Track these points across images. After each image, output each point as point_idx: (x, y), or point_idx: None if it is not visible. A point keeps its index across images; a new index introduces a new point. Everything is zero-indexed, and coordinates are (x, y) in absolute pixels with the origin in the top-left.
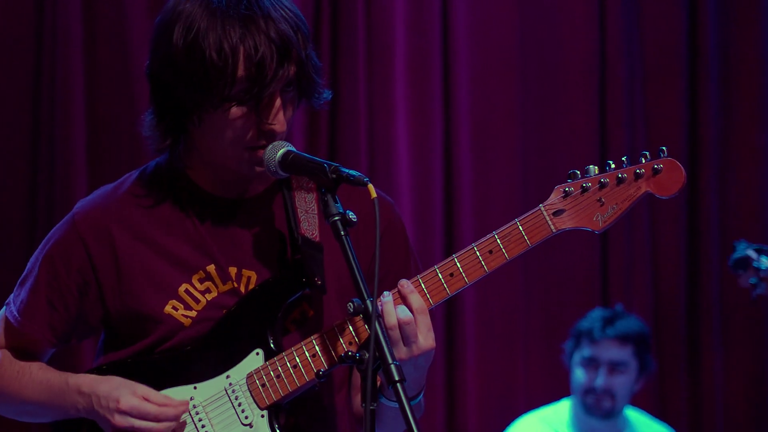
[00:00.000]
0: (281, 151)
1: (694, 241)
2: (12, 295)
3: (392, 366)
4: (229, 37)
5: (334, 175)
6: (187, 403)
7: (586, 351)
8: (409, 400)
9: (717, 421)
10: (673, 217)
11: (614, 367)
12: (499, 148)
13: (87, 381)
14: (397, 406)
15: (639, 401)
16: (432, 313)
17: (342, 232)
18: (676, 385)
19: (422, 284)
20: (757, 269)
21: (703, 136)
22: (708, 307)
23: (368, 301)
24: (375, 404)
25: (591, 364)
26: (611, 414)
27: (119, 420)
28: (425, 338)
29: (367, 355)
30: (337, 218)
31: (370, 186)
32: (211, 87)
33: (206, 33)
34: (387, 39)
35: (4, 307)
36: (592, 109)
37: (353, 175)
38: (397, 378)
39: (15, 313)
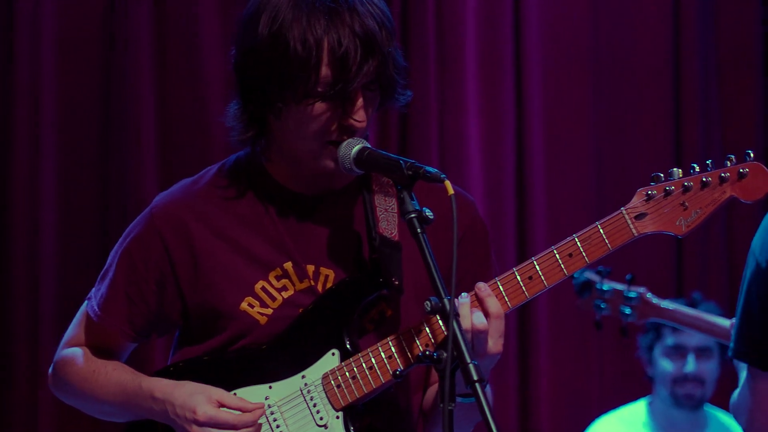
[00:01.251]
0: (356, 148)
1: None
2: (93, 290)
3: (471, 365)
4: (313, 30)
5: (410, 172)
6: (263, 406)
7: (669, 340)
8: (487, 399)
9: None
10: (749, 214)
11: (702, 352)
12: (571, 146)
13: (160, 386)
14: (470, 402)
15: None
16: (505, 315)
17: (418, 230)
18: None
19: (500, 287)
20: (601, 291)
21: None
22: None
23: (445, 300)
24: (453, 404)
25: (677, 351)
26: (701, 403)
27: (197, 431)
28: (495, 343)
29: (444, 354)
30: (413, 215)
31: (447, 182)
32: (295, 79)
33: (291, 24)
34: (458, 37)
35: (85, 302)
36: (666, 108)
37: (430, 172)
38: (476, 378)
39: (95, 307)
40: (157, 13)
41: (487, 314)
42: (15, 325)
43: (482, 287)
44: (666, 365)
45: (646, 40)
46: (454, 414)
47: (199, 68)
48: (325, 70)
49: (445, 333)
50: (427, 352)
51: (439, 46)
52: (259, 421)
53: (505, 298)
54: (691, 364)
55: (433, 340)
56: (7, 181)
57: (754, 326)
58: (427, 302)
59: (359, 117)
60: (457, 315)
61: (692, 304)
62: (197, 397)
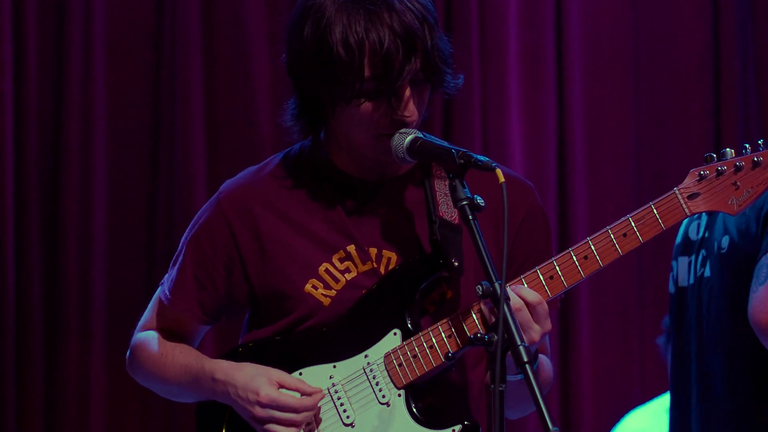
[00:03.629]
0: (409, 138)
1: None
2: (165, 276)
3: (521, 347)
4: (354, 32)
5: (461, 161)
6: (321, 390)
7: None
8: (538, 380)
9: None
10: None
11: None
12: (612, 143)
13: (221, 368)
14: (520, 378)
15: None
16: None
17: (470, 216)
18: None
19: (557, 266)
20: None
21: None
22: None
23: (496, 284)
24: (504, 385)
25: None
26: None
27: (260, 412)
28: (542, 325)
29: (495, 337)
30: (465, 203)
31: (498, 171)
32: (341, 81)
33: (333, 28)
34: (500, 34)
35: (159, 288)
36: (705, 104)
37: (481, 161)
38: (525, 359)
39: (166, 292)
40: (205, 13)
41: (527, 303)
42: (68, 319)
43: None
44: None
45: (685, 37)
46: (517, 390)
47: (246, 68)
48: (368, 71)
49: (477, 295)
50: (479, 334)
51: (481, 43)
52: (324, 400)
53: (562, 278)
54: None
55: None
56: (59, 182)
57: None
58: (479, 286)
59: (408, 112)
60: (507, 299)
61: None
62: (259, 379)
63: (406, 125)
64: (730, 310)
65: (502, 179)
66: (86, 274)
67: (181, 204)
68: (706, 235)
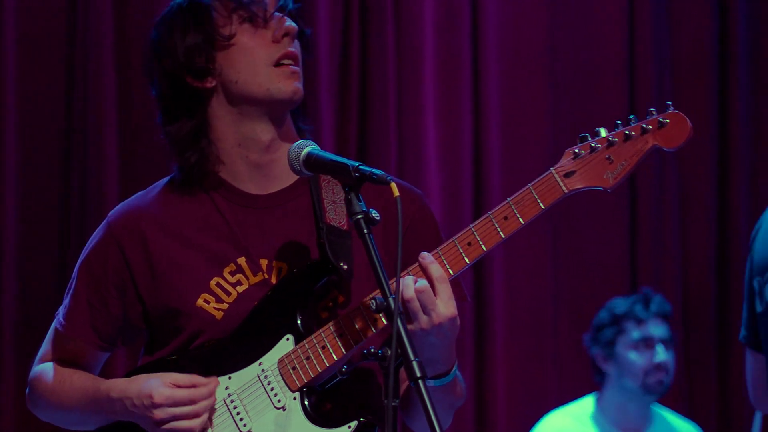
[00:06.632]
0: (305, 152)
1: (724, 238)
2: (61, 306)
3: (414, 363)
4: None
5: (356, 174)
6: (217, 379)
7: (635, 333)
8: (431, 397)
9: (746, 415)
10: (703, 211)
11: (666, 343)
12: (529, 149)
13: (115, 386)
14: (443, 383)
15: (666, 398)
16: (461, 309)
17: (365, 230)
18: (705, 378)
19: (441, 256)
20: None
21: (733, 135)
22: (738, 300)
23: (390, 299)
24: (396, 401)
25: (645, 343)
26: (666, 391)
27: (158, 414)
28: (446, 306)
29: (389, 352)
30: (360, 216)
31: (393, 185)
32: (213, 19)
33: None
34: (416, 39)
35: (55, 318)
36: (622, 110)
37: (376, 174)
38: (419, 375)
39: (61, 319)
40: (117, 15)
41: (431, 280)
42: None
43: (425, 255)
44: (636, 358)
45: (601, 42)
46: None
47: None
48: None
49: (370, 311)
50: (372, 349)
51: (397, 48)
52: (221, 411)
53: (447, 266)
54: (661, 354)
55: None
56: None
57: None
58: (372, 301)
59: (288, 28)
60: (401, 313)
61: (648, 297)
62: (151, 382)
63: (292, 39)
64: None
65: (396, 193)
66: None
67: (94, 218)
68: None
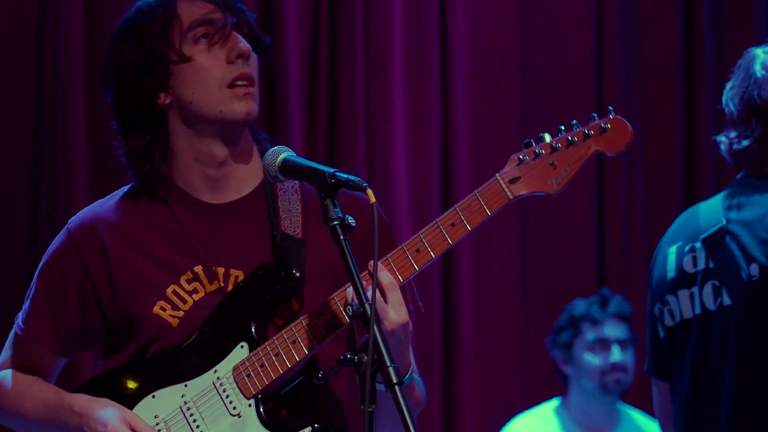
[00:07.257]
0: (281, 158)
1: None
2: (20, 311)
3: (390, 369)
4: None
5: (333, 180)
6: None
7: (590, 335)
8: (407, 400)
9: None
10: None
11: (623, 343)
12: (497, 153)
13: (80, 401)
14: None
15: (632, 397)
16: (429, 315)
17: (341, 237)
18: None
19: (391, 263)
20: None
21: (699, 141)
22: None
23: (366, 305)
24: (373, 406)
25: (600, 344)
26: (626, 389)
27: None
28: (397, 312)
29: (365, 357)
30: (336, 222)
31: (369, 191)
32: (169, 35)
33: (142, 7)
34: (385, 44)
35: (14, 324)
36: (590, 113)
37: (352, 180)
38: (395, 380)
39: (20, 324)
40: (87, 19)
41: (381, 288)
42: None
43: (372, 264)
44: (591, 359)
45: (570, 49)
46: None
47: None
48: (191, 17)
49: (347, 317)
50: (348, 355)
51: (366, 54)
52: (177, 418)
53: (396, 272)
54: (616, 354)
55: (335, 322)
56: None
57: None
58: (349, 307)
59: (242, 48)
60: (377, 319)
61: (605, 298)
62: (110, 412)
63: (246, 59)
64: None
65: (373, 199)
66: None
67: (63, 216)
68: (711, 265)
